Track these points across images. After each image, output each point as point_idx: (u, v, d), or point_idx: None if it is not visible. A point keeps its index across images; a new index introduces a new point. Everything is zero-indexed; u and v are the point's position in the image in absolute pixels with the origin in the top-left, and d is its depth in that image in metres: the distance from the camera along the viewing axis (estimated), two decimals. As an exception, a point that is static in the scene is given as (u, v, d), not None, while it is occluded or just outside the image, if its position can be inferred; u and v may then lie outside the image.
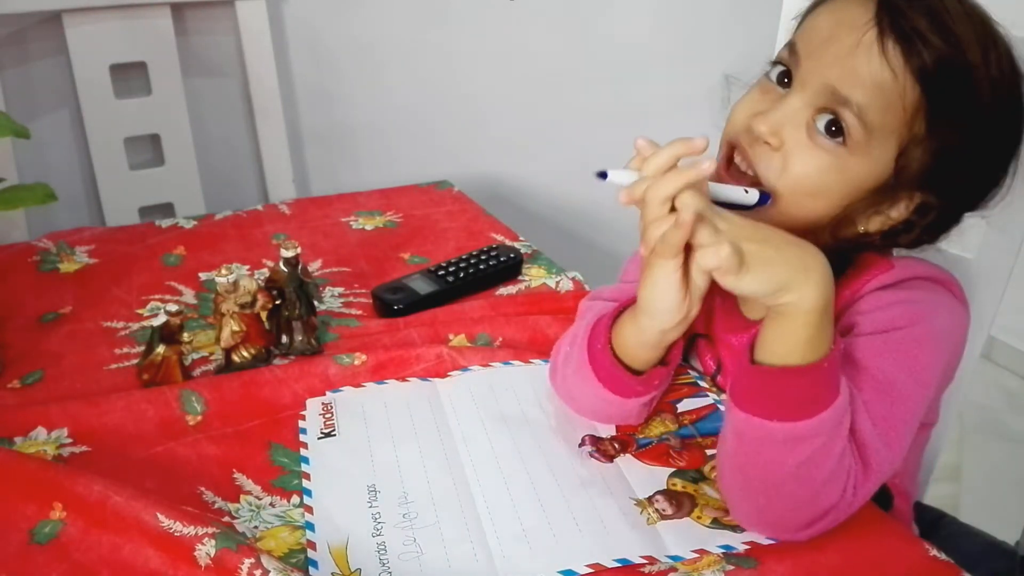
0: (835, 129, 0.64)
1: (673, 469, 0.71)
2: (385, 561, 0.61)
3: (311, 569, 0.60)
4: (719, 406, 0.79)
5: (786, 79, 0.68)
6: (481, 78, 1.61)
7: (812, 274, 0.59)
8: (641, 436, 0.75)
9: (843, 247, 0.68)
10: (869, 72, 0.63)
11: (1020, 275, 0.88)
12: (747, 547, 0.63)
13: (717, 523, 0.66)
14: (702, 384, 0.82)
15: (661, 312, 0.67)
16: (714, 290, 0.69)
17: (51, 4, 1.26)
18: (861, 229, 0.68)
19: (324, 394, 0.80)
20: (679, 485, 0.70)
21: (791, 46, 0.68)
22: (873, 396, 0.63)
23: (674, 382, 0.81)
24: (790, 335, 0.59)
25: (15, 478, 0.66)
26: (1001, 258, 0.87)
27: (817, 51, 0.65)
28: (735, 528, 0.65)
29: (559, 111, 1.67)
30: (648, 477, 0.70)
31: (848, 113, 0.64)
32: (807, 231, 0.65)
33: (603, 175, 0.60)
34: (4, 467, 0.67)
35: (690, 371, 0.84)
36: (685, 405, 0.79)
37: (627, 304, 0.72)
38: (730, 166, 0.69)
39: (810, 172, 0.65)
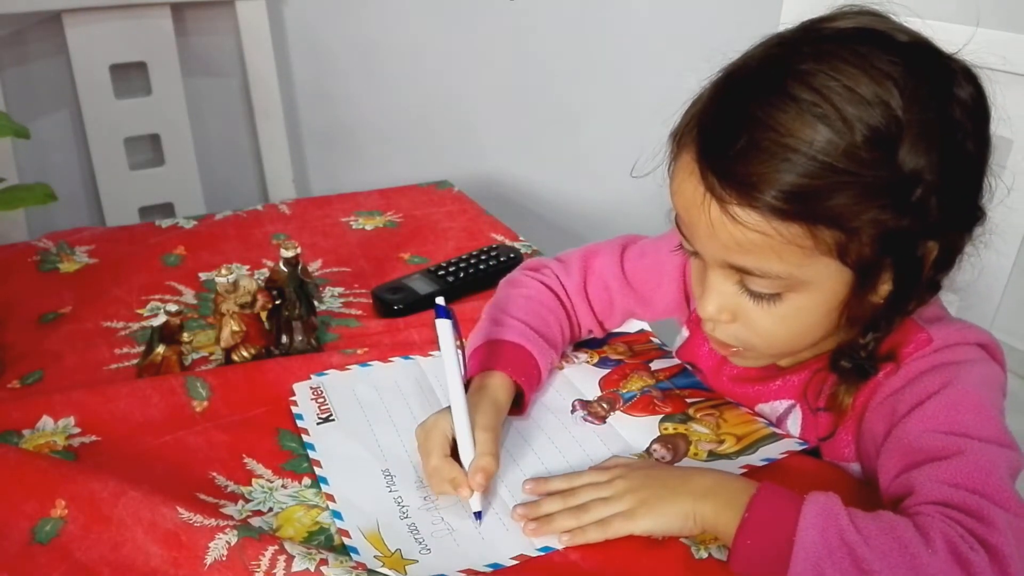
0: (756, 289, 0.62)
1: (661, 415, 0.75)
2: (420, 540, 0.62)
3: (353, 555, 0.60)
4: (687, 367, 0.82)
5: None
6: (481, 78, 1.61)
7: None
8: (624, 391, 0.78)
9: (880, 330, 0.63)
10: (741, 240, 0.58)
11: (1020, 275, 0.88)
12: (744, 471, 0.67)
13: (713, 455, 0.69)
14: (665, 348, 0.86)
15: None
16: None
17: (51, 4, 1.26)
18: (878, 300, 0.62)
19: (309, 377, 0.80)
20: (670, 428, 0.73)
21: (677, 222, 0.64)
22: (947, 465, 0.57)
23: (640, 349, 0.85)
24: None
25: (17, 475, 0.66)
26: (1001, 258, 0.87)
27: (692, 235, 0.63)
28: (730, 456, 0.69)
29: (559, 111, 1.67)
30: (641, 428, 0.73)
31: (754, 279, 0.60)
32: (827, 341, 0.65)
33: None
34: (6, 465, 0.67)
35: (652, 339, 0.87)
36: (657, 364, 0.82)
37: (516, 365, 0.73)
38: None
39: (773, 324, 0.63)
